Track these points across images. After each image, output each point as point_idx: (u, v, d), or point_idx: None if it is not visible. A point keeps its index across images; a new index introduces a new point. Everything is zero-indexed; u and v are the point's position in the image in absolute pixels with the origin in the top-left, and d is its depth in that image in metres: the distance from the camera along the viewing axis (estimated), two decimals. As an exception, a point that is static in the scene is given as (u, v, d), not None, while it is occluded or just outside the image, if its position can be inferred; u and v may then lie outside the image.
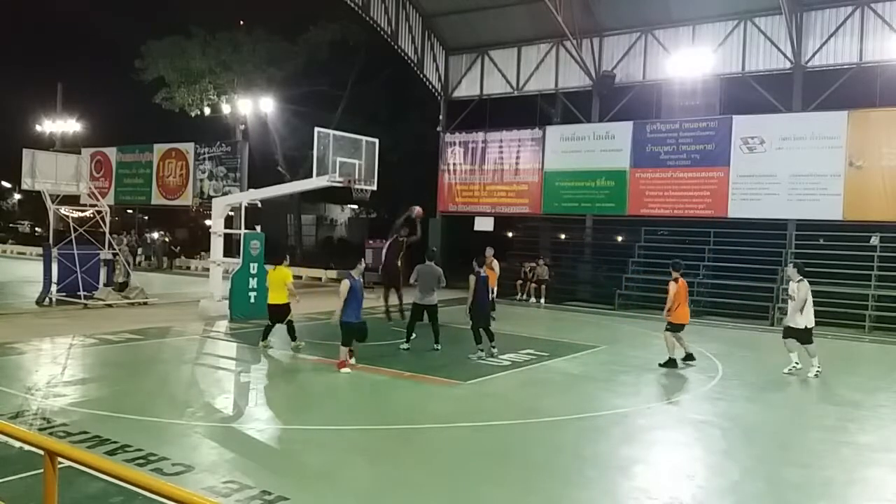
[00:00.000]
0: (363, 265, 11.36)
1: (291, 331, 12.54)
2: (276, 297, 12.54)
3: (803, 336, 11.57)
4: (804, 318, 11.53)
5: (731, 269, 20.30)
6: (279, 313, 12.52)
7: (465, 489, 6.40)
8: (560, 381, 11.22)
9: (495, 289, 17.05)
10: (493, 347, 12.43)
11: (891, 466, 7.60)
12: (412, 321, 12.91)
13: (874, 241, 19.51)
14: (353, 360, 11.07)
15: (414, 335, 12.86)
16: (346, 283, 10.70)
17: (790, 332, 11.75)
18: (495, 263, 17.55)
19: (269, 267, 13.83)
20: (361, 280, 11.14)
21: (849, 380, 12.30)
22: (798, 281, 11.60)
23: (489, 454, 7.39)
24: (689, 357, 12.44)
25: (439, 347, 12.71)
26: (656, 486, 6.66)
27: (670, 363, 12.06)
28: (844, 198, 19.62)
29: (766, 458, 7.64)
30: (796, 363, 11.72)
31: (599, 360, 12.98)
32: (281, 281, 12.44)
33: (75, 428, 7.49)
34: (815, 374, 11.54)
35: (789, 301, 11.92)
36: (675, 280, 12.25)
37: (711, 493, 6.53)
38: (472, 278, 12.35)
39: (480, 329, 12.32)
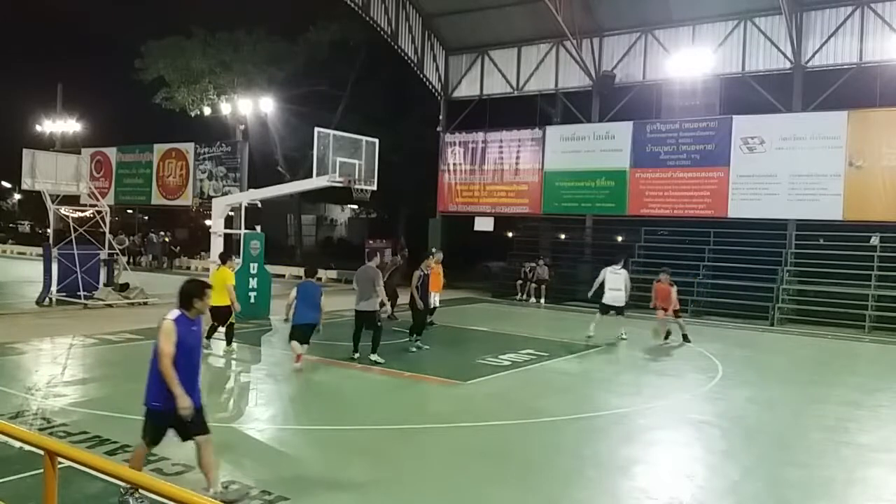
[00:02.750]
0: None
1: (230, 335, 12.20)
2: (216, 299, 11.04)
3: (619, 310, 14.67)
4: (609, 297, 14.54)
5: (731, 269, 20.29)
6: (219, 315, 11.80)
7: (465, 489, 6.39)
8: (560, 381, 11.22)
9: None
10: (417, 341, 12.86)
11: (891, 466, 7.60)
12: (355, 331, 11.74)
13: (874, 241, 19.50)
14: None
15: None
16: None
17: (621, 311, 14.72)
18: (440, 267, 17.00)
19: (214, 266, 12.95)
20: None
21: (849, 380, 12.31)
22: (615, 273, 14.67)
23: (489, 454, 7.39)
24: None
25: (382, 360, 11.40)
26: (656, 486, 6.66)
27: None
28: (844, 198, 19.61)
29: (766, 458, 7.63)
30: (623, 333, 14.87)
31: (599, 360, 12.98)
32: (221, 283, 11.70)
33: (75, 428, 7.49)
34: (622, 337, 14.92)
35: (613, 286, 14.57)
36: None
37: (711, 493, 6.53)
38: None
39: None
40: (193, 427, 5.59)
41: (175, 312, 5.60)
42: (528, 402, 9.74)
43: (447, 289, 22.29)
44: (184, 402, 5.45)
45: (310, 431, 8.14)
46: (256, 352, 12.78)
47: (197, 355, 5.72)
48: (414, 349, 12.69)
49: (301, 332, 10.78)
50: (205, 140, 32.61)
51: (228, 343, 12.18)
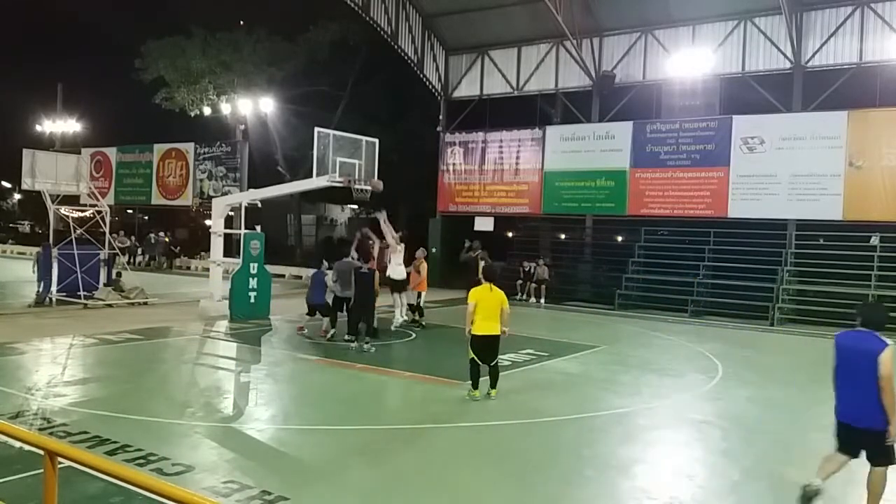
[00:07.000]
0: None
1: (495, 375, 9.57)
2: (489, 327, 9.34)
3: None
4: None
5: (731, 269, 20.30)
6: (489, 347, 9.40)
7: (465, 489, 6.40)
8: (560, 381, 11.22)
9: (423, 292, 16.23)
10: (367, 343, 12.49)
11: (890, 466, 7.57)
12: (333, 313, 13.70)
13: (874, 241, 19.51)
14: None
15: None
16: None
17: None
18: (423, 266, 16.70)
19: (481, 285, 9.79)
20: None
21: (849, 380, 12.27)
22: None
23: (489, 454, 7.39)
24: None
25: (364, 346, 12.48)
26: (656, 486, 6.66)
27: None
28: (844, 198, 19.61)
29: (766, 458, 7.64)
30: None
31: (599, 360, 12.97)
32: (497, 306, 9.42)
33: (75, 428, 7.49)
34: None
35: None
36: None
37: (711, 493, 6.53)
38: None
39: (360, 322, 12.65)
40: (881, 455, 5.93)
41: (884, 338, 5.87)
42: (528, 402, 9.74)
43: (449, 288, 22.37)
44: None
45: (310, 431, 8.14)
46: (256, 352, 12.78)
47: None
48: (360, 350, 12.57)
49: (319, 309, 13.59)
50: (205, 140, 32.64)
51: (493, 385, 9.56)
